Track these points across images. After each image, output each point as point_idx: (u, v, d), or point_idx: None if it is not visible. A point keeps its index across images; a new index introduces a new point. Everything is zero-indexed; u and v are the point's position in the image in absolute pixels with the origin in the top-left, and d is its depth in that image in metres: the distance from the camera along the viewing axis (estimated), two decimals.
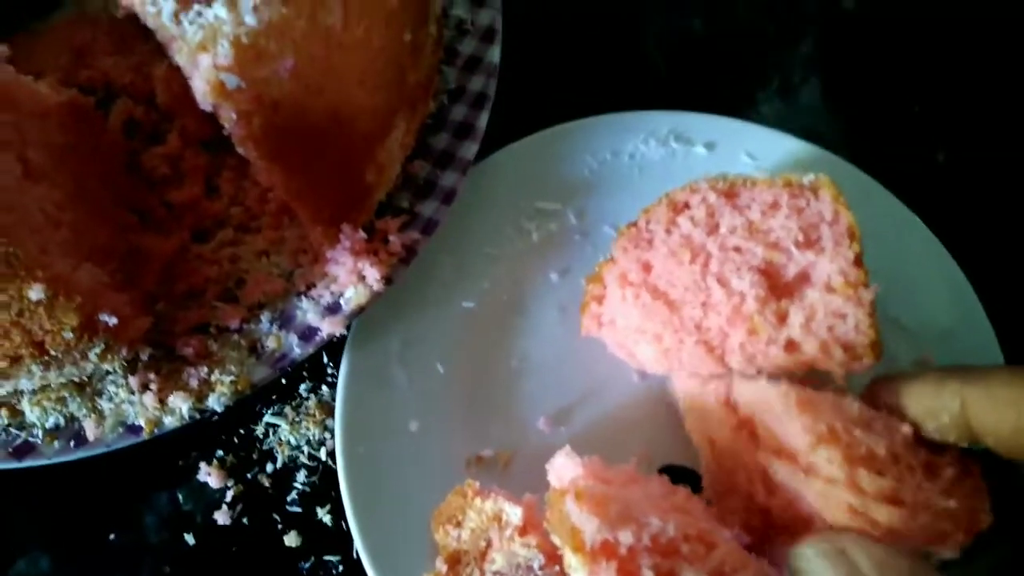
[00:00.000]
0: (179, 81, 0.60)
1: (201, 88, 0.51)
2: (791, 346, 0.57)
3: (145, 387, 0.62)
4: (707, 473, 0.62)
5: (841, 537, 0.45)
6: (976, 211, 0.76)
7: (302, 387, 0.71)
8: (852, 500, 0.49)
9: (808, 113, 0.82)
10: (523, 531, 0.58)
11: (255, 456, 0.69)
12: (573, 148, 0.73)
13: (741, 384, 0.59)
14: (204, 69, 0.50)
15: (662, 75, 0.84)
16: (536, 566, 0.58)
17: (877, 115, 0.82)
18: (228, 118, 0.52)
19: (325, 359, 0.71)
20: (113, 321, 0.57)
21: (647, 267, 0.62)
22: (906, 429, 0.51)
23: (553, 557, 0.58)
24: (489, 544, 0.59)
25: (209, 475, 0.68)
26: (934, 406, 0.48)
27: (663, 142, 0.73)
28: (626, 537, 0.51)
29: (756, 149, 0.72)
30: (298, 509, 0.68)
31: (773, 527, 0.57)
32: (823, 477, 0.50)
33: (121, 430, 0.61)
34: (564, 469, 0.56)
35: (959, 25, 0.85)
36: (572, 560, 0.53)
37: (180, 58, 0.52)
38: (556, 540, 0.55)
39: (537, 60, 0.82)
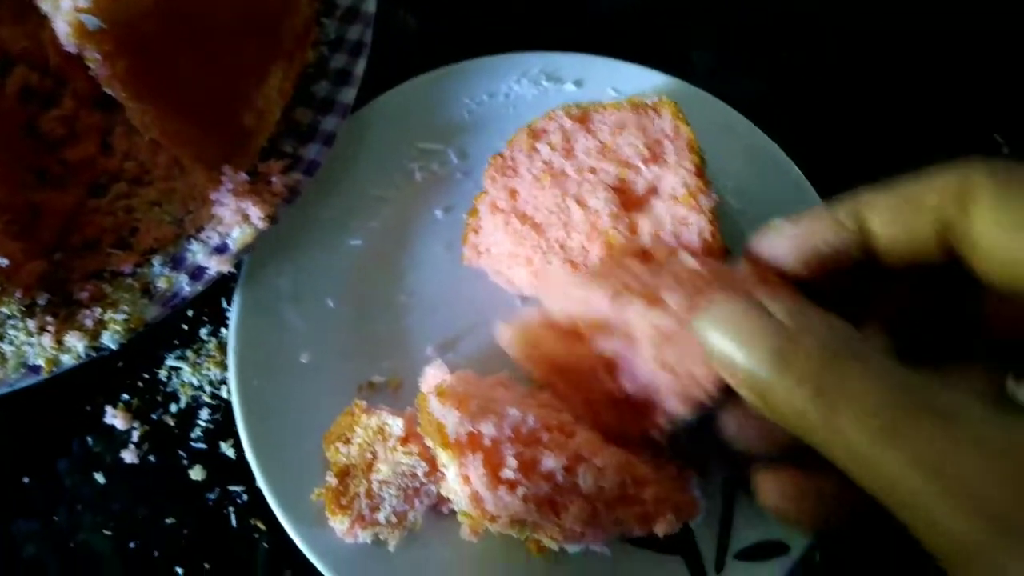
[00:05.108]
0: None
1: (63, 30, 0.53)
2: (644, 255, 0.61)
3: (43, 329, 0.64)
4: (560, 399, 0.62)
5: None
6: (823, 128, 0.81)
7: (203, 331, 0.74)
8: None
9: (673, 52, 0.86)
10: (405, 441, 0.61)
11: (159, 398, 0.72)
12: (451, 90, 0.77)
13: (548, 300, 0.62)
14: (65, 11, 0.53)
15: (532, 19, 0.88)
16: (420, 473, 0.61)
17: (742, 56, 0.87)
18: (93, 59, 0.55)
19: (224, 304, 0.74)
20: (5, 263, 0.60)
21: (514, 194, 0.66)
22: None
23: (434, 464, 0.61)
24: (375, 456, 0.62)
25: (115, 417, 0.70)
26: (828, 229, 0.45)
27: (535, 81, 0.77)
28: (488, 429, 0.54)
29: (622, 84, 0.76)
30: (202, 445, 0.70)
31: (634, 408, 0.58)
32: (640, 329, 0.53)
33: (23, 370, 0.64)
34: (434, 379, 0.59)
35: None
36: (442, 456, 0.57)
37: (45, 5, 0.55)
38: (429, 443, 0.59)
39: (413, 8, 0.86)
